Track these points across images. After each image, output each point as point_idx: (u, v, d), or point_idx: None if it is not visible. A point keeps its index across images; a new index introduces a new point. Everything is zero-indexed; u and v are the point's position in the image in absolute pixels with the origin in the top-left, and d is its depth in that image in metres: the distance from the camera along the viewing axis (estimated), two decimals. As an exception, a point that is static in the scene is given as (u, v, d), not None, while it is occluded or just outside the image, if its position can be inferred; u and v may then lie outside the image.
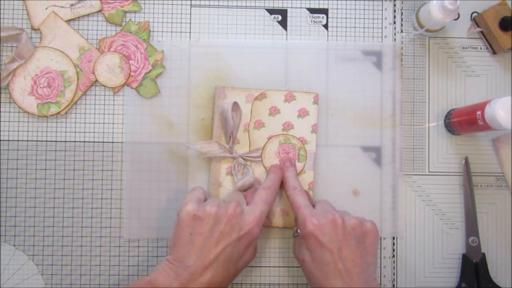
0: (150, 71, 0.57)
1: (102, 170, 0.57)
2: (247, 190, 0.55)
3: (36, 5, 0.56)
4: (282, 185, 0.55)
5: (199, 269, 0.47)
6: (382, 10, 0.59)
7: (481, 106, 0.51)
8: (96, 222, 0.56)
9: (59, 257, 0.56)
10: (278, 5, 0.59)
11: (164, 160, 0.57)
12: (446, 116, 0.58)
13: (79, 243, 0.56)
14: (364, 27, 0.59)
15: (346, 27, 0.59)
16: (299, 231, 0.51)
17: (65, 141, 0.57)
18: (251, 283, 0.57)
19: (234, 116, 0.55)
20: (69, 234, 0.56)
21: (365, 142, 0.58)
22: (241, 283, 0.57)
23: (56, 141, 0.57)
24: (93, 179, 0.57)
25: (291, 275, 0.57)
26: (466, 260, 0.57)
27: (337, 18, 0.59)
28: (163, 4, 0.58)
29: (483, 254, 0.57)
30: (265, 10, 0.59)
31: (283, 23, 0.59)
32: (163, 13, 0.58)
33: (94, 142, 0.57)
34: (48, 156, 0.56)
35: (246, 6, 0.58)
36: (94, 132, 0.57)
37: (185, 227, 0.48)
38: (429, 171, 0.58)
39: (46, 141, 0.57)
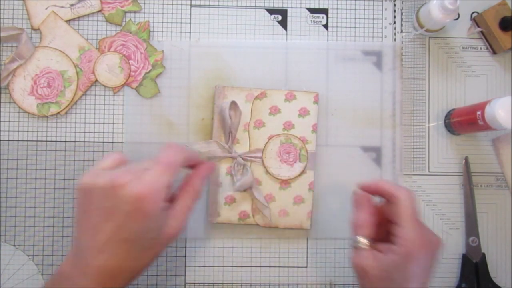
0: (150, 71, 0.57)
1: (102, 170, 0.56)
2: (246, 190, 0.55)
3: (36, 5, 0.56)
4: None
5: (92, 251, 0.41)
6: (382, 10, 0.59)
7: (481, 106, 0.50)
8: (96, 222, 0.56)
9: (59, 257, 0.56)
10: (278, 5, 0.59)
11: (164, 160, 0.57)
12: (446, 116, 0.58)
13: (79, 243, 0.56)
14: (364, 27, 0.59)
15: (346, 27, 0.59)
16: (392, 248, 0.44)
17: (65, 141, 0.57)
18: (251, 283, 0.57)
19: (232, 115, 0.55)
20: (69, 234, 0.56)
21: (365, 142, 0.58)
22: (241, 283, 0.57)
23: (56, 141, 0.57)
24: (93, 179, 0.56)
25: (291, 275, 0.57)
26: (466, 260, 0.57)
27: (337, 18, 0.59)
28: (163, 4, 0.58)
29: (483, 254, 0.57)
30: (265, 10, 0.59)
31: (283, 23, 0.59)
32: (163, 13, 0.58)
33: (94, 142, 0.57)
34: (48, 156, 0.56)
35: (246, 6, 0.58)
36: (94, 132, 0.57)
37: (79, 203, 0.44)
38: (429, 171, 0.58)
39: (46, 141, 0.57)
